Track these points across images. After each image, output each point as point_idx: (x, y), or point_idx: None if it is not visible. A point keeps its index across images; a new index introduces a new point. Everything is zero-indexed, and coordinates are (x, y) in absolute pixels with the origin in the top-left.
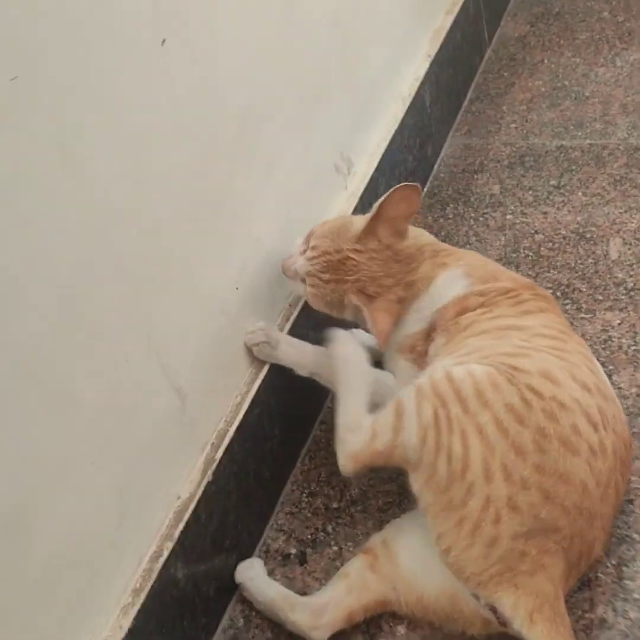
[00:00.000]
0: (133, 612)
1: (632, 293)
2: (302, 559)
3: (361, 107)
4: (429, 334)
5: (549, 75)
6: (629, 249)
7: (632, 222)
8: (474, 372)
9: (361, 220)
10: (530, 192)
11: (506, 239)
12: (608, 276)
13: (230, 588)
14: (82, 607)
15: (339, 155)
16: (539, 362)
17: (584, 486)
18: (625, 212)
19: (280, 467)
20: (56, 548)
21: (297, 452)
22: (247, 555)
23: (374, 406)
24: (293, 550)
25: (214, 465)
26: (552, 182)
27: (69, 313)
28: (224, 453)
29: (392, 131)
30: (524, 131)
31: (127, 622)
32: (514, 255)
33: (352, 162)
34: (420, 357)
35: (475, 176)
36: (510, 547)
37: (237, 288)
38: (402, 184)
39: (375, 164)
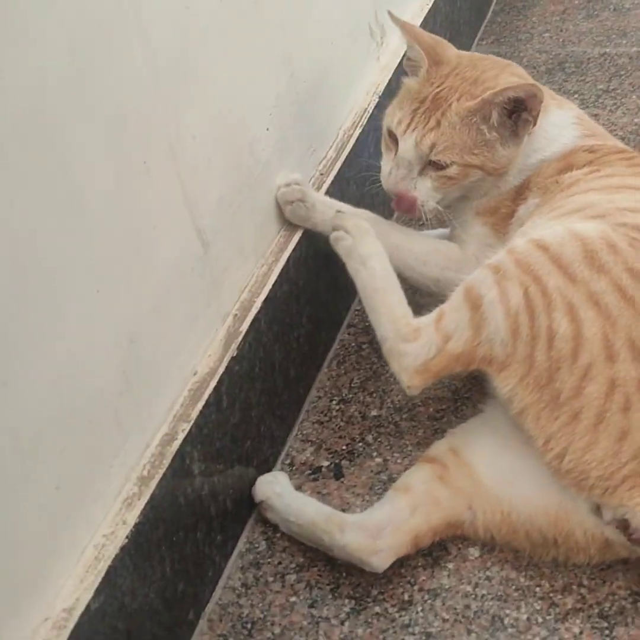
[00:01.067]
0: (139, 505)
1: None
2: (338, 472)
3: None
4: (519, 193)
5: None
6: None
7: None
8: (581, 231)
9: None
10: (576, 95)
11: None
12: None
13: (250, 503)
14: (74, 493)
15: (374, 17)
16: None
17: None
18: None
19: (307, 367)
20: (43, 409)
21: (323, 354)
22: (268, 467)
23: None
24: (325, 463)
25: (239, 339)
26: (600, 86)
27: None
28: (250, 326)
29: (425, 11)
30: (560, 40)
31: (131, 517)
32: None
33: (385, 31)
34: (503, 221)
35: None
36: None
37: (267, 129)
38: None
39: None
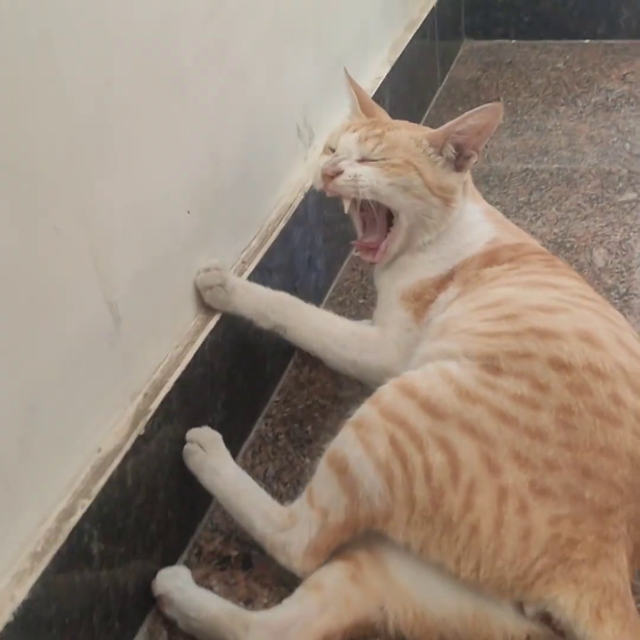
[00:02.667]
0: (30, 582)
1: (625, 297)
2: (247, 562)
3: (328, 79)
4: (442, 282)
5: (506, 111)
6: (616, 258)
7: (616, 235)
8: (451, 370)
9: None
10: (498, 206)
11: None
12: (596, 282)
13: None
14: None
15: (302, 119)
16: (579, 320)
17: (632, 458)
18: (607, 225)
19: None
20: None
21: (238, 443)
22: (175, 555)
23: None
24: (234, 552)
25: (148, 417)
26: (521, 199)
27: None
28: (160, 406)
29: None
30: (485, 155)
31: (20, 593)
32: None
33: (314, 135)
34: (424, 307)
35: None
36: (553, 533)
37: (188, 212)
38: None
39: None
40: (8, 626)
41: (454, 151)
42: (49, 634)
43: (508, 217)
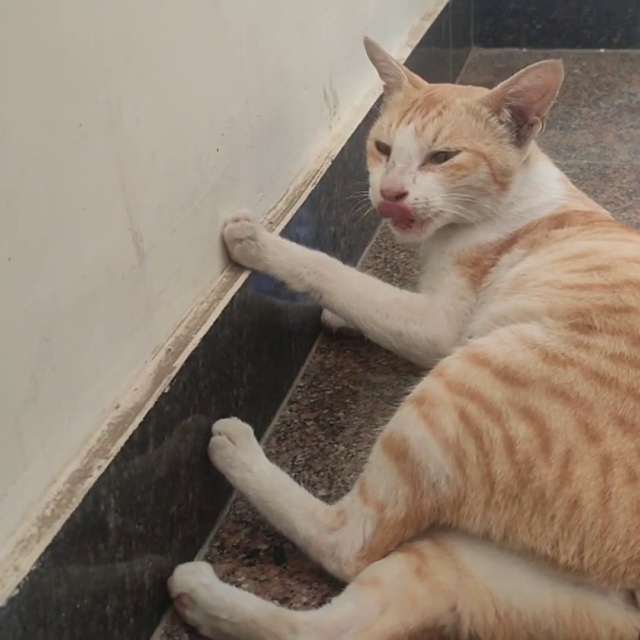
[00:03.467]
0: (38, 550)
1: None
2: (279, 556)
3: (352, 44)
4: (504, 247)
5: None
6: None
7: None
8: (533, 335)
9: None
10: None
11: None
12: None
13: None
14: None
15: (329, 82)
16: None
17: None
18: None
19: None
20: None
21: (261, 428)
22: (195, 547)
23: None
24: (263, 546)
25: (172, 374)
26: None
27: None
28: (186, 364)
29: (377, 95)
30: None
31: (26, 563)
32: None
33: (339, 101)
34: (482, 274)
35: None
36: None
37: (218, 150)
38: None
39: (360, 119)
40: (11, 601)
41: (510, 118)
42: (57, 618)
43: None
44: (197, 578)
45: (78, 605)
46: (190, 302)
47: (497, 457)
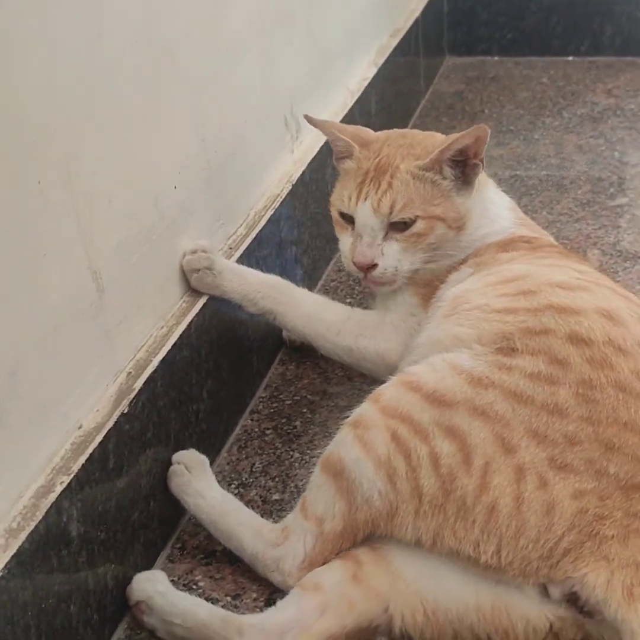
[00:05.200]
0: (4, 559)
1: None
2: (234, 557)
3: (316, 71)
4: (454, 268)
5: (491, 122)
6: (611, 258)
7: (609, 237)
8: (462, 363)
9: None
10: None
11: None
12: None
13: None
14: None
15: (290, 110)
16: (600, 298)
17: None
18: (600, 228)
19: (205, 447)
20: None
21: (223, 438)
22: (157, 549)
23: None
24: (219, 546)
25: (132, 396)
26: None
27: None
28: (144, 385)
29: (340, 117)
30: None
31: None
32: None
33: (301, 127)
34: (432, 293)
35: None
36: (579, 507)
37: (175, 187)
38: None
39: (322, 142)
40: None
41: (452, 171)
42: (24, 617)
43: None
44: (153, 586)
45: (43, 605)
46: (150, 328)
47: (424, 472)
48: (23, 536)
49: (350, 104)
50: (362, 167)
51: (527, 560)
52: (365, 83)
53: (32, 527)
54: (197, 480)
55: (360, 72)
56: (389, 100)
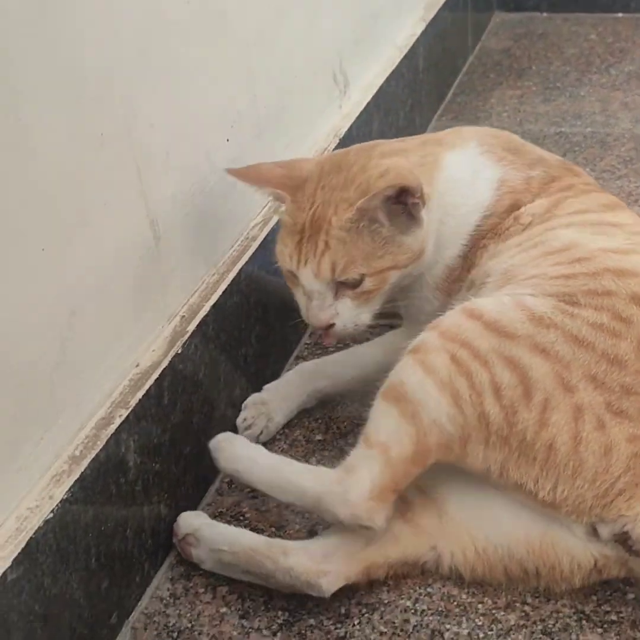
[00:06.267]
0: (68, 483)
1: None
2: None
3: (364, 27)
4: (468, 259)
5: (538, 78)
6: None
7: None
8: (525, 300)
9: None
10: None
11: None
12: None
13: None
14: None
15: (339, 65)
16: None
17: None
18: None
19: (252, 390)
20: None
21: (271, 381)
22: (207, 482)
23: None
24: None
25: (185, 337)
26: None
27: None
28: (197, 328)
29: (388, 72)
30: (518, 119)
31: (59, 493)
32: None
33: (349, 82)
34: (456, 285)
35: None
36: (633, 451)
37: (228, 140)
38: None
39: (370, 97)
40: (47, 522)
41: (387, 216)
42: (85, 537)
43: None
44: (199, 519)
45: (102, 528)
46: (202, 274)
47: (488, 399)
48: (85, 463)
49: (397, 60)
50: (297, 222)
51: (581, 499)
52: (413, 39)
53: (93, 455)
54: (246, 448)
55: (408, 28)
56: (436, 56)
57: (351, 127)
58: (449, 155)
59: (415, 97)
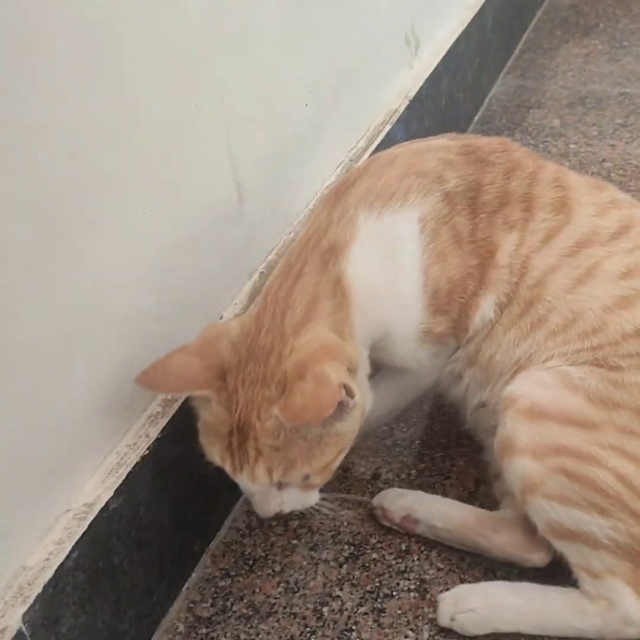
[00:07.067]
0: (162, 423)
1: None
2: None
3: None
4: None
5: (605, 37)
6: None
7: None
8: (567, 375)
9: None
10: (594, 127)
11: (571, 164)
12: None
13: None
14: (103, 399)
15: (411, 28)
16: None
17: None
18: None
19: None
20: (75, 315)
21: None
22: None
23: None
24: None
25: None
26: (618, 121)
27: None
28: None
29: (458, 34)
30: (582, 79)
31: (154, 432)
32: None
33: (420, 43)
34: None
35: (532, 111)
36: None
37: (306, 105)
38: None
39: (440, 58)
40: (143, 458)
41: None
42: (175, 473)
43: (604, 139)
44: (406, 499)
45: (190, 464)
46: (279, 233)
47: (628, 496)
48: (176, 406)
49: (468, 20)
50: (223, 424)
51: None
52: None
53: (182, 400)
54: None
55: None
56: (505, 14)
57: (421, 87)
58: (351, 268)
59: (482, 56)
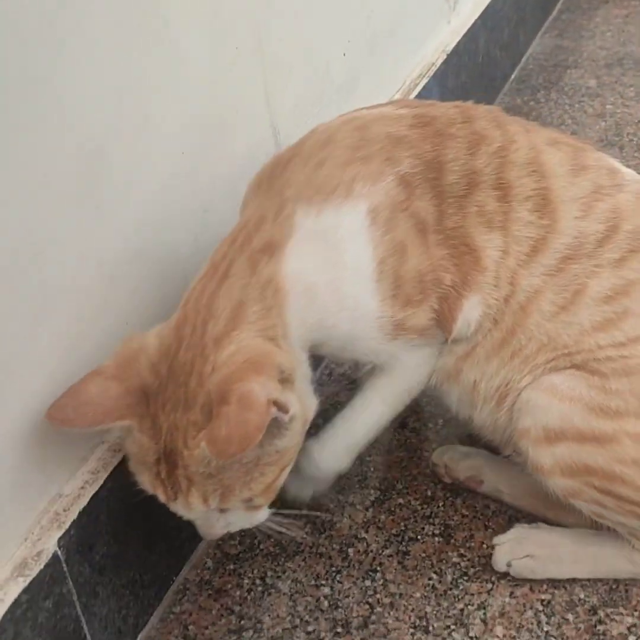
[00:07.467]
0: None
1: None
2: None
3: None
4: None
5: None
6: None
7: None
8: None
9: None
10: (631, 88)
11: (607, 125)
12: None
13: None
14: None
15: None
16: None
17: None
18: None
19: None
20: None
21: None
22: None
23: None
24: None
25: None
26: None
27: None
28: None
29: None
30: (621, 39)
31: None
32: (617, 139)
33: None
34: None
35: (569, 70)
36: None
37: (344, 54)
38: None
39: (478, 14)
40: None
41: None
42: None
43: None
44: (473, 460)
45: None
46: None
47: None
48: None
49: None
50: (148, 453)
51: None
52: None
53: None
54: (548, 562)
55: None
56: None
57: (459, 42)
58: (286, 268)
59: (520, 14)
